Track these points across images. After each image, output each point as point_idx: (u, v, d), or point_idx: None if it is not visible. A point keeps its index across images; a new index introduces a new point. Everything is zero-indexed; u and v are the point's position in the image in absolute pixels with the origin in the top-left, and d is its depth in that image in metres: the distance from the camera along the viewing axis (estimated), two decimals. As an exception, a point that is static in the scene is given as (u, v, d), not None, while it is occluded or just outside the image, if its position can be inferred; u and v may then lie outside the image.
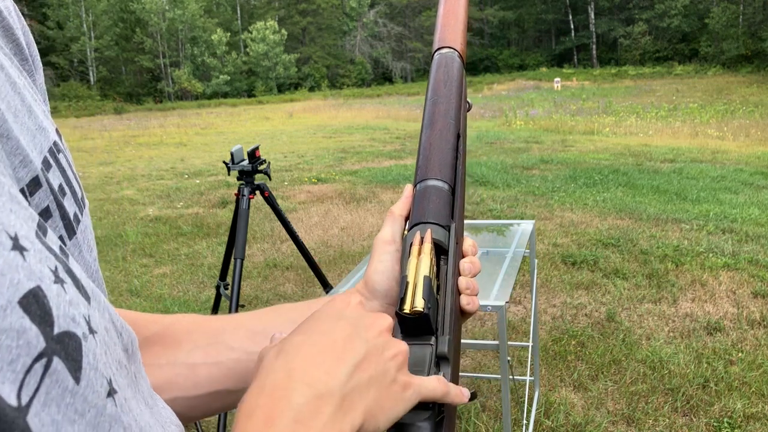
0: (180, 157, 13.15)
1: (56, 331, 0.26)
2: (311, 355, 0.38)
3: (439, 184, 0.60)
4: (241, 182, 2.86)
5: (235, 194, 2.82)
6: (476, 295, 0.58)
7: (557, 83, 32.82)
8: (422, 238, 0.55)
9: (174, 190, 8.84)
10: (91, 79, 47.82)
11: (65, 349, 0.27)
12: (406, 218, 0.62)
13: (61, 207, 0.36)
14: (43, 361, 0.25)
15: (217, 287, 3.01)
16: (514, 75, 46.34)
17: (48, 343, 0.26)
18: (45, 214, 0.34)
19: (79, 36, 46.91)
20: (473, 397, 0.49)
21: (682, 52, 44.74)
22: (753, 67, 36.04)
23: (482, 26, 57.10)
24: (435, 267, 0.54)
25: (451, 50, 0.70)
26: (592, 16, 50.73)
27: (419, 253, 0.54)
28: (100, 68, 48.26)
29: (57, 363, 0.26)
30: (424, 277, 0.51)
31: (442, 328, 0.51)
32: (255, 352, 0.56)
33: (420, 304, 0.49)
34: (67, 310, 0.27)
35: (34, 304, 0.25)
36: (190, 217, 6.95)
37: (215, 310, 3.10)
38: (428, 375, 0.47)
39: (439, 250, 0.56)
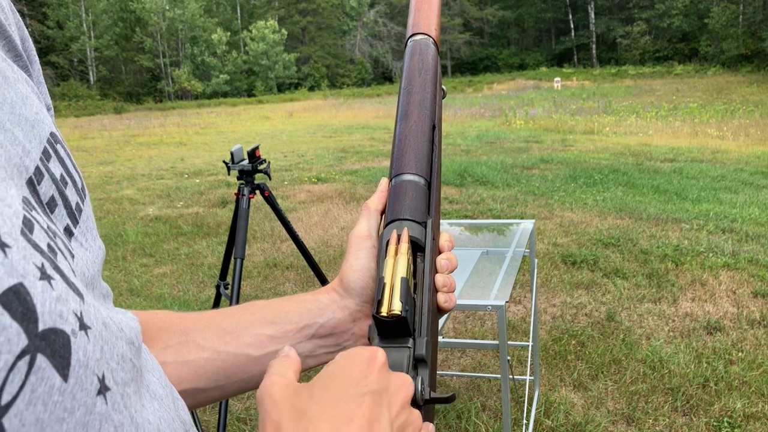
0: (180, 156, 13.15)
1: (41, 327, 0.26)
2: None
3: (415, 178, 0.59)
4: (241, 182, 2.86)
5: (235, 194, 2.82)
6: (453, 291, 0.56)
7: (557, 83, 32.82)
8: (399, 237, 0.54)
9: (174, 189, 8.84)
10: (91, 78, 47.80)
11: (51, 346, 0.26)
12: (382, 212, 0.61)
13: (63, 196, 0.35)
14: (27, 358, 0.25)
15: (217, 287, 3.01)
16: (514, 74, 46.34)
17: (31, 340, 0.25)
18: (51, 203, 0.34)
19: (79, 35, 46.88)
20: (452, 398, 0.48)
21: (682, 51, 44.73)
22: (753, 67, 36.03)
23: (482, 26, 57.08)
24: (412, 266, 0.53)
25: (425, 37, 0.68)
26: (592, 15, 50.73)
27: (396, 253, 0.52)
28: (100, 68, 48.24)
29: (42, 360, 0.26)
30: (402, 278, 0.49)
31: (420, 329, 0.50)
32: (225, 351, 0.56)
33: (397, 307, 0.48)
34: (54, 306, 0.27)
35: (15, 301, 0.25)
36: (190, 216, 6.95)
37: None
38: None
39: (416, 247, 0.55)
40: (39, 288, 0.27)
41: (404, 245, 0.53)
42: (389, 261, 0.52)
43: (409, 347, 0.49)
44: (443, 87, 0.69)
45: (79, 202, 0.38)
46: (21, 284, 0.26)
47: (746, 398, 2.76)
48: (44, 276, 0.27)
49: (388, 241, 0.54)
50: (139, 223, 6.78)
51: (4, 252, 0.25)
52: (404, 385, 0.43)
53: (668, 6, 44.77)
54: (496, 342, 2.00)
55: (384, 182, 0.62)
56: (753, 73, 34.43)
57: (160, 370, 0.44)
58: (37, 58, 0.43)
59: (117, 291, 4.60)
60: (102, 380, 0.30)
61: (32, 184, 0.32)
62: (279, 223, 3.23)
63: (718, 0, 41.32)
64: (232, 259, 2.73)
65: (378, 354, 0.42)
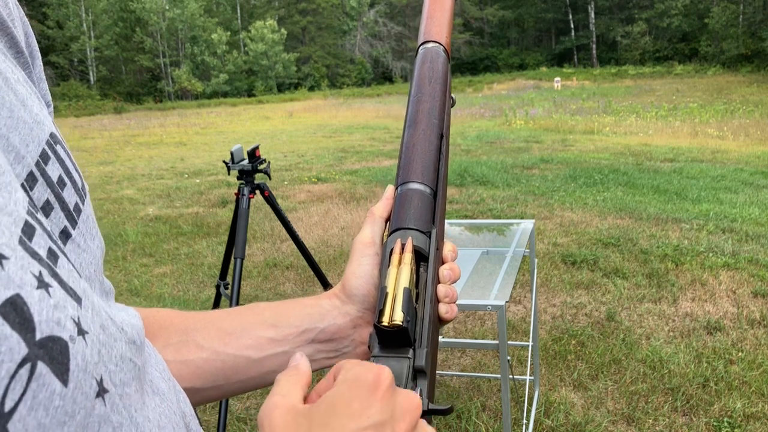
0: (180, 156, 13.15)
1: (38, 336, 0.27)
2: None
3: (421, 187, 0.59)
4: (241, 182, 2.86)
5: (235, 194, 2.82)
6: (455, 302, 0.56)
7: (557, 83, 32.81)
8: (403, 246, 0.54)
9: (174, 189, 8.84)
10: (91, 78, 47.79)
11: (49, 353, 0.27)
12: (387, 219, 0.61)
13: (60, 199, 0.36)
14: (28, 366, 0.26)
15: (217, 287, 3.01)
16: (514, 74, 46.31)
17: (31, 348, 0.26)
18: (46, 207, 0.34)
19: (79, 35, 46.87)
20: (450, 410, 0.48)
21: (682, 51, 44.71)
22: (753, 67, 36.01)
23: (482, 26, 57.07)
24: (415, 276, 0.53)
25: (437, 45, 0.68)
26: (592, 15, 50.72)
27: (399, 263, 0.52)
28: (100, 68, 48.22)
29: (42, 367, 0.26)
30: (404, 289, 0.50)
31: (420, 339, 0.50)
32: (224, 352, 0.56)
33: (399, 318, 0.48)
34: (51, 314, 0.28)
35: (13, 312, 0.26)
36: (190, 216, 6.95)
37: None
38: (405, 389, 0.45)
39: (419, 257, 0.55)
40: (36, 297, 0.27)
41: (408, 255, 0.53)
42: (392, 270, 0.52)
43: (409, 358, 0.49)
44: (452, 96, 0.69)
45: (79, 203, 0.38)
46: (18, 295, 0.26)
47: (746, 398, 2.76)
48: (41, 284, 0.28)
49: (392, 250, 0.54)
50: (139, 223, 6.78)
51: (1, 264, 0.26)
52: (409, 411, 0.40)
53: (668, 6, 44.75)
54: (496, 342, 2.00)
55: (390, 189, 0.62)
56: (753, 73, 34.41)
57: (163, 364, 0.44)
58: (39, 53, 0.43)
59: (117, 291, 4.59)
60: (100, 383, 0.31)
61: (25, 190, 0.32)
62: (279, 223, 3.23)
63: (718, 0, 41.32)
64: (232, 258, 2.73)
65: (382, 378, 0.39)
